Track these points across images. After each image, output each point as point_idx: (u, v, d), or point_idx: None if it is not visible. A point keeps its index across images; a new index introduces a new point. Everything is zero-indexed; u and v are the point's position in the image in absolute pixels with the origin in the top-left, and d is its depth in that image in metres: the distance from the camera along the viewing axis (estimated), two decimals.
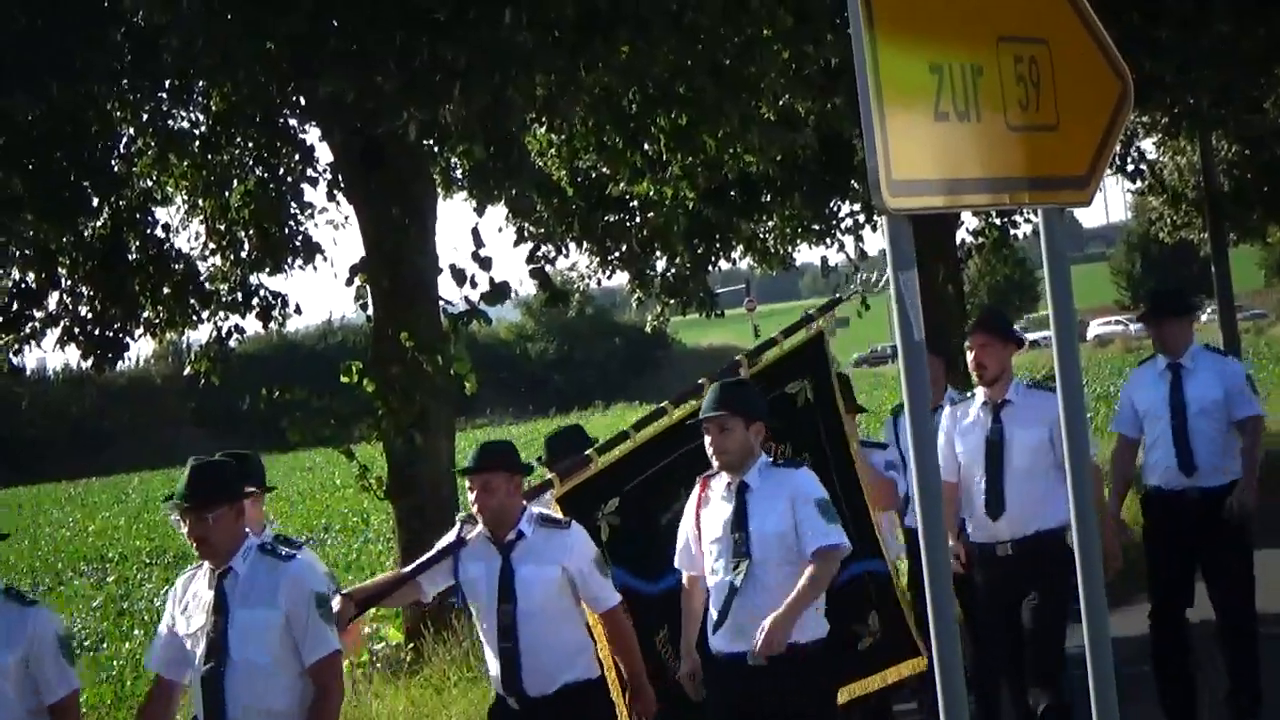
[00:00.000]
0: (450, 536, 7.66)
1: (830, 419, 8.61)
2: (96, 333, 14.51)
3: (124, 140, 13.97)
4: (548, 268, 13.84)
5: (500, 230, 13.84)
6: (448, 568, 7.60)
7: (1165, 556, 10.08)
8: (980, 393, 9.17)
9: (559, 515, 7.88)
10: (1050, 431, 8.84)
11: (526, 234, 13.62)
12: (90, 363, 14.71)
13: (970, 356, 9.11)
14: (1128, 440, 9.97)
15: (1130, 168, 25.68)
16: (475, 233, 13.07)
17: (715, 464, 7.61)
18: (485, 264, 12.86)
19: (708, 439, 7.59)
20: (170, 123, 13.92)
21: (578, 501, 8.25)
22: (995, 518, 9.03)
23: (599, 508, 8.30)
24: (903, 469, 9.67)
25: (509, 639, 7.39)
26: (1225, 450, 9.61)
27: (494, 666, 7.49)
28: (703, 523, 7.71)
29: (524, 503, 7.68)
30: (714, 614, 7.60)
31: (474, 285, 12.91)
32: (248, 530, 6.85)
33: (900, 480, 9.69)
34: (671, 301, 20.25)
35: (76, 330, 14.48)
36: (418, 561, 7.76)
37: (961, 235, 21.50)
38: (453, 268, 12.93)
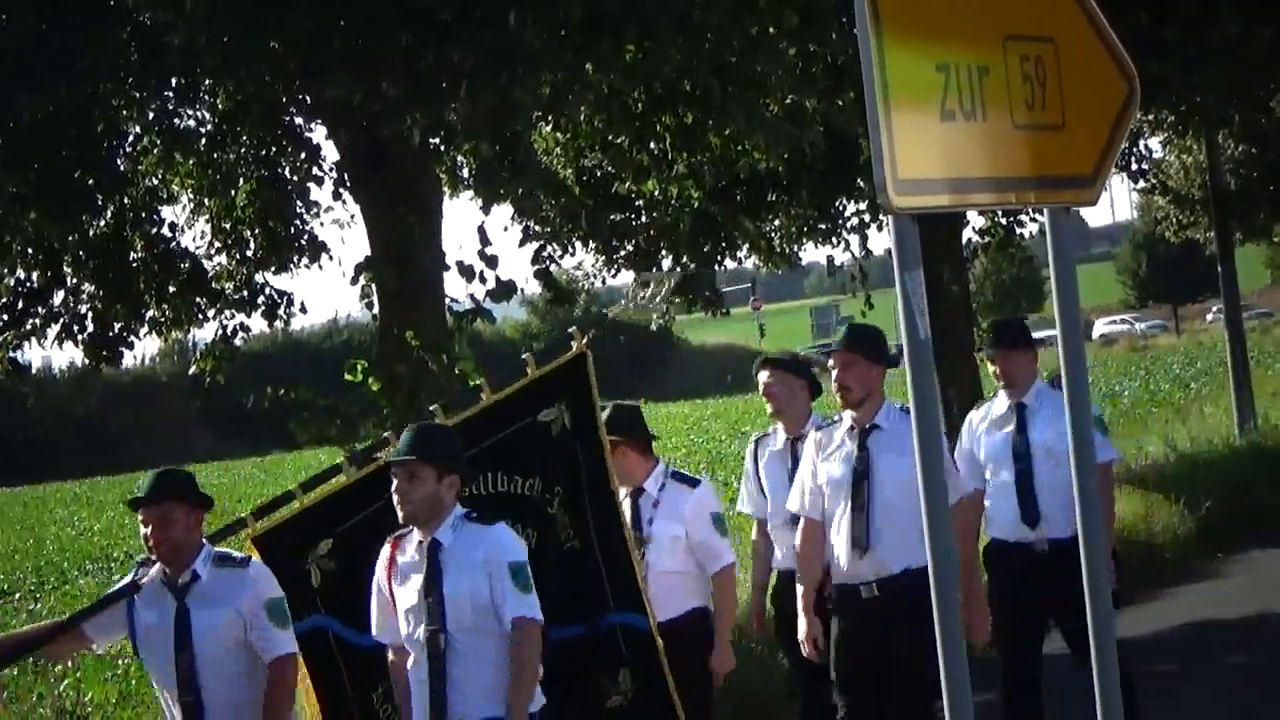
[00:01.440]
0: (124, 581, 7.04)
1: (591, 449, 7.73)
2: (99, 331, 14.51)
3: (129, 139, 13.97)
4: (552, 267, 13.82)
5: (505, 229, 13.86)
6: (120, 615, 6.94)
7: (1012, 617, 8.93)
8: (847, 417, 8.38)
9: (240, 554, 7.21)
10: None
11: (532, 233, 13.63)
12: (92, 361, 14.71)
13: (833, 376, 8.37)
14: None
15: (1134, 167, 25.66)
16: (481, 230, 13.06)
17: (400, 515, 6.91)
18: (491, 262, 12.85)
19: (394, 485, 6.90)
20: (176, 121, 13.92)
21: (279, 542, 7.47)
22: (861, 555, 8.16)
23: (309, 550, 7.53)
24: (764, 502, 9.17)
25: (189, 692, 6.76)
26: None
27: None
28: (395, 588, 6.99)
29: (203, 541, 6.99)
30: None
31: (482, 281, 12.91)
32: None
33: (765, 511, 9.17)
34: (677, 300, 20.24)
35: (77, 328, 14.48)
36: (81, 609, 7.12)
37: (967, 234, 21.49)
38: (460, 264, 12.93)
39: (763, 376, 9.12)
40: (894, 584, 8.08)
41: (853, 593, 8.22)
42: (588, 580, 7.70)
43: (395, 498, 6.88)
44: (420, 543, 6.90)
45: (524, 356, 7.89)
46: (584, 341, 7.97)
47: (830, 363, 8.40)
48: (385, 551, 7.00)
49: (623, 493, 8.19)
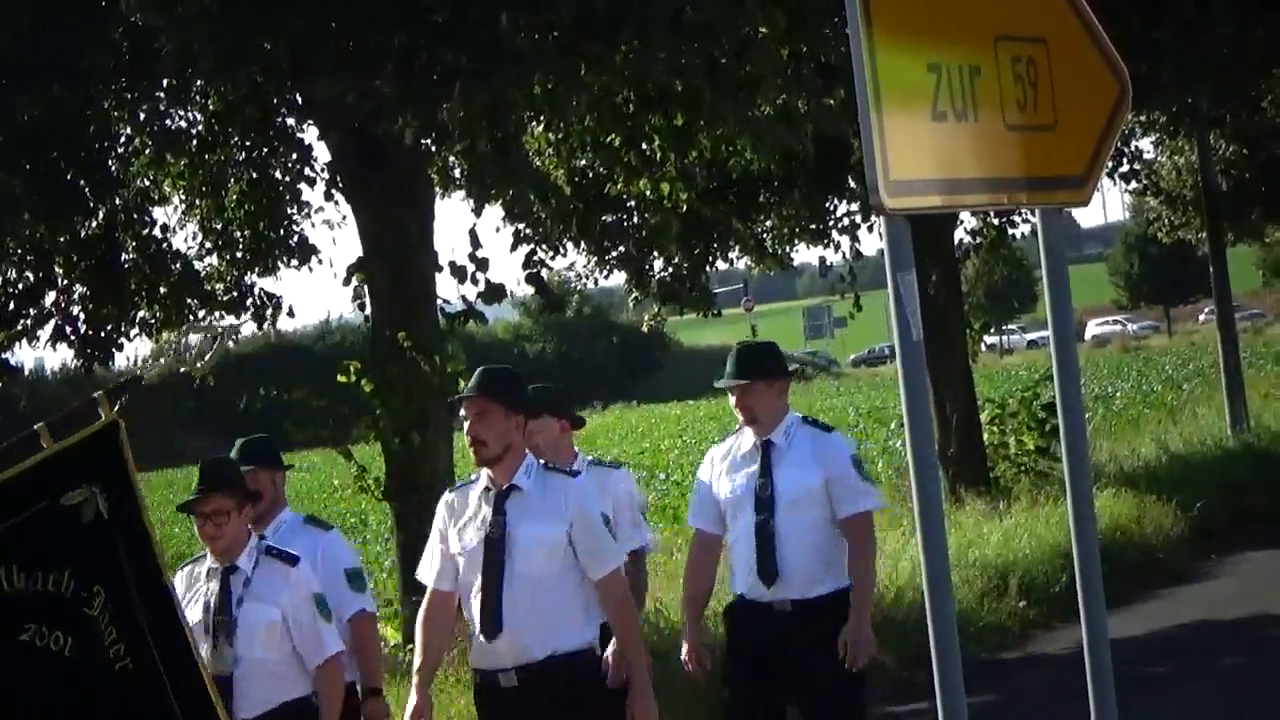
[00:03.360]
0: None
1: (135, 540, 6.40)
2: (90, 332, 14.50)
3: (121, 140, 13.96)
4: (544, 271, 13.80)
5: (498, 230, 13.85)
6: None
7: (745, 685, 7.86)
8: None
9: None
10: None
11: (523, 237, 13.63)
12: (83, 362, 14.70)
13: (732, 401, 7.78)
14: (706, 536, 7.95)
15: (1125, 168, 25.65)
16: (473, 233, 13.06)
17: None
18: (482, 265, 12.85)
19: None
20: (167, 123, 13.91)
21: None
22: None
23: None
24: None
25: None
26: (823, 553, 7.63)
27: None
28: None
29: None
30: None
31: (474, 283, 12.91)
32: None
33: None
34: (667, 304, 20.24)
35: (69, 329, 14.47)
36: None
37: (959, 235, 21.50)
38: (452, 265, 12.93)
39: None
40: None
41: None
42: (149, 713, 6.21)
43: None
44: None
45: (35, 427, 6.48)
46: (114, 411, 6.71)
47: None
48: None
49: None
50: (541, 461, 7.16)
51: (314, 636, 7.08)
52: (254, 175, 14.45)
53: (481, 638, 7.04)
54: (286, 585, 7.05)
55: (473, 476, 7.24)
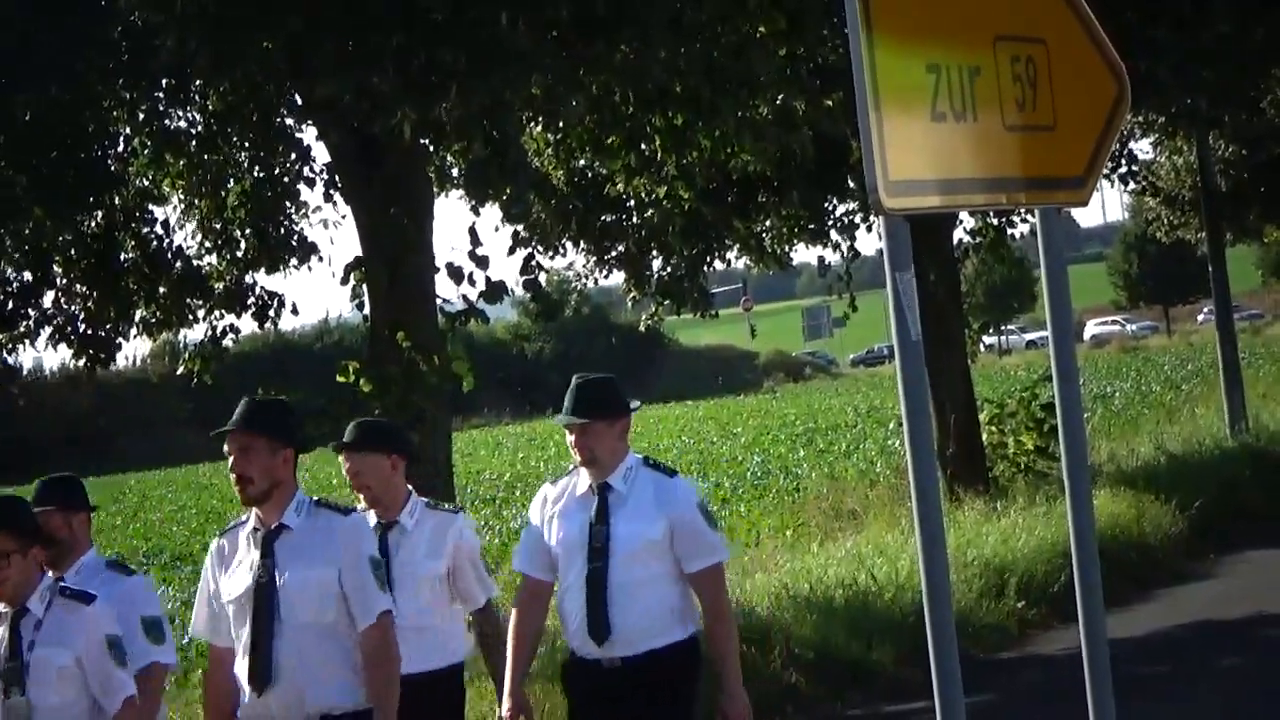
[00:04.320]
0: None
1: None
2: (89, 332, 14.49)
3: (120, 139, 13.96)
4: (541, 275, 13.75)
5: (497, 229, 13.80)
6: None
7: None
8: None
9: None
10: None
11: (520, 239, 13.59)
12: (83, 361, 14.70)
13: (569, 440, 7.18)
14: (535, 583, 7.25)
15: (1123, 169, 25.66)
16: (472, 231, 13.05)
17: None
18: (482, 263, 12.84)
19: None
20: (166, 122, 13.91)
21: None
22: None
23: None
24: None
25: None
26: (661, 609, 6.98)
27: None
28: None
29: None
30: None
31: (472, 283, 12.90)
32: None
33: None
34: (666, 302, 20.24)
35: (69, 329, 14.47)
36: None
37: (959, 235, 21.52)
38: (449, 265, 12.92)
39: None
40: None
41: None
42: None
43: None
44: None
45: None
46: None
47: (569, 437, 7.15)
48: None
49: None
50: (314, 499, 6.66)
51: (107, 679, 6.56)
52: (254, 175, 14.45)
53: (250, 693, 6.53)
54: (81, 627, 6.55)
55: (243, 517, 6.74)
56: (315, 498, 6.71)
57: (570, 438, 7.10)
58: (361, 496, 7.68)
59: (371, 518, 7.53)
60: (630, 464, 7.13)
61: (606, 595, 6.94)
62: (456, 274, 12.83)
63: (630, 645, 6.96)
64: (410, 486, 7.73)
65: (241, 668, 6.53)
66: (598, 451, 7.03)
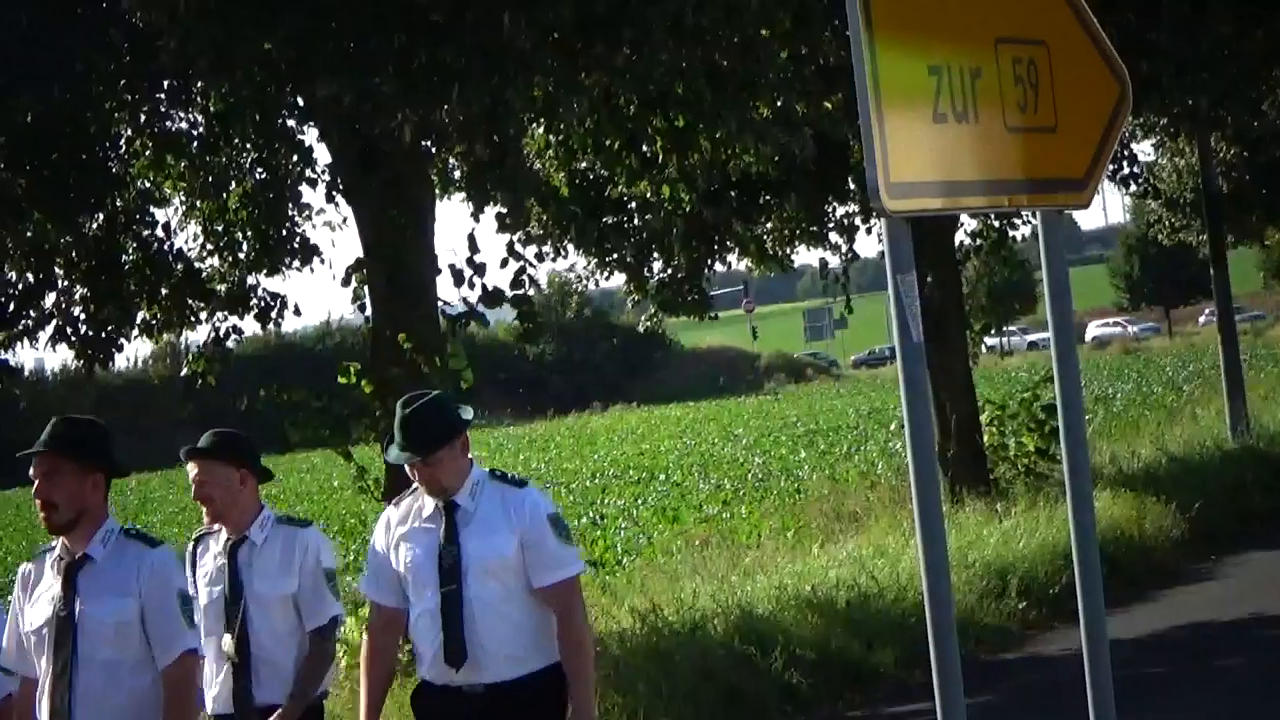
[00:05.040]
0: None
1: None
2: (90, 333, 14.50)
3: (121, 141, 13.96)
4: (531, 290, 13.69)
5: (496, 232, 13.75)
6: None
7: None
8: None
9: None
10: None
11: (515, 253, 13.49)
12: (84, 363, 14.70)
13: (412, 474, 6.74)
14: (386, 611, 6.83)
15: (1124, 170, 25.67)
16: (471, 238, 13.05)
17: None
18: (480, 269, 12.84)
19: None
20: (168, 124, 13.91)
21: None
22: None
23: None
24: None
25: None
26: (522, 628, 6.60)
27: None
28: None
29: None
30: None
31: (470, 287, 12.90)
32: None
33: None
34: (663, 304, 20.23)
35: (69, 330, 14.47)
36: None
37: (960, 237, 21.52)
38: (451, 268, 12.93)
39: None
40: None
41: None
42: None
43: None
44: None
45: None
46: None
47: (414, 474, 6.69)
48: None
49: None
50: (124, 528, 6.27)
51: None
52: (256, 177, 14.45)
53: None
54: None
55: (52, 543, 6.36)
56: (125, 527, 6.30)
57: (413, 473, 6.66)
58: (205, 510, 7.37)
59: (223, 535, 7.32)
60: (476, 478, 6.68)
61: (463, 618, 6.53)
62: (458, 277, 12.84)
63: (493, 670, 6.55)
64: (264, 504, 7.41)
65: (43, 705, 6.16)
66: (445, 480, 6.60)
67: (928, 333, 4.36)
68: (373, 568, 6.88)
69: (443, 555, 6.58)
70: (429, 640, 6.62)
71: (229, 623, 7.18)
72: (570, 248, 18.81)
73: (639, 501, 29.00)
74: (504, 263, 13.16)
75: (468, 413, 6.78)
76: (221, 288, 14.96)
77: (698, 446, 42.40)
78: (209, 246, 14.98)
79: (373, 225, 13.27)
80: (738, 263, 22.26)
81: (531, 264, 13.31)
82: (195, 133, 14.17)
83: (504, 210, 13.08)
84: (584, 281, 20.82)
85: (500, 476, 6.75)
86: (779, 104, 13.42)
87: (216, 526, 7.34)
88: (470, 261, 12.85)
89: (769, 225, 20.88)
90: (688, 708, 11.36)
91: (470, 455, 6.72)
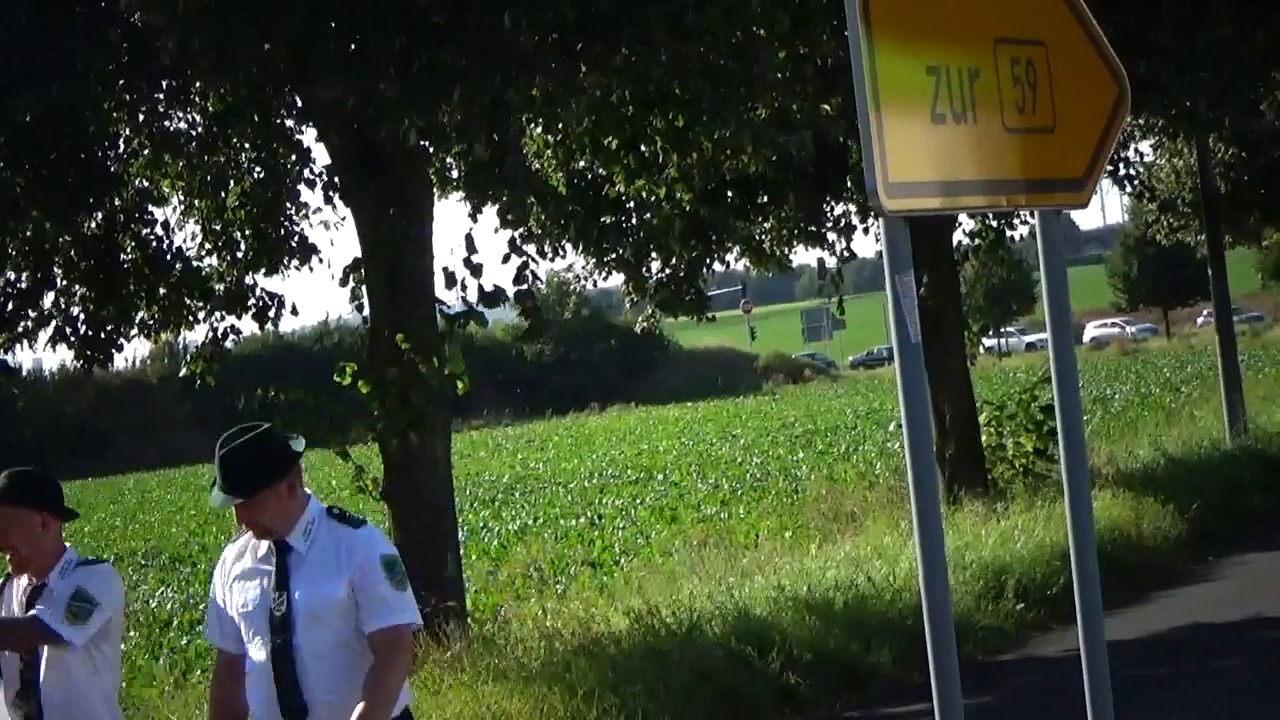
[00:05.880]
0: None
1: None
2: (89, 333, 14.49)
3: (120, 140, 13.96)
4: (537, 284, 13.69)
5: (496, 231, 13.73)
6: None
7: None
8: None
9: None
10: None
11: (517, 249, 13.50)
12: (82, 363, 14.70)
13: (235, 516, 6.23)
14: (228, 656, 6.40)
15: (1122, 172, 25.67)
16: (469, 239, 13.05)
17: None
18: (477, 271, 12.83)
19: None
20: (167, 123, 13.91)
21: None
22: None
23: None
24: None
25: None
26: (357, 677, 6.14)
27: None
28: None
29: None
30: None
31: (464, 289, 12.87)
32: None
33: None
34: (661, 304, 20.23)
35: (68, 330, 14.47)
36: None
37: (958, 237, 21.52)
38: (445, 271, 12.91)
39: None
40: None
41: None
42: None
43: None
44: None
45: None
46: None
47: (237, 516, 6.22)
48: None
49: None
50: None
51: None
52: (254, 176, 14.44)
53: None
54: None
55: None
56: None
57: (235, 515, 6.19)
58: (8, 558, 6.86)
59: (24, 581, 6.85)
60: (311, 517, 6.21)
61: (296, 670, 6.11)
62: (450, 279, 12.80)
63: None
64: (67, 546, 6.91)
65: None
66: (269, 522, 6.14)
67: (925, 333, 4.36)
68: (212, 610, 6.44)
69: (274, 602, 6.17)
70: (262, 696, 6.21)
71: (21, 679, 6.75)
72: (569, 247, 18.80)
73: (637, 501, 29.01)
74: (506, 258, 13.15)
75: (299, 444, 6.32)
76: (220, 287, 14.95)
77: (696, 447, 42.40)
78: (207, 246, 14.98)
79: (371, 225, 13.26)
80: (736, 263, 22.26)
81: (534, 260, 13.29)
82: (194, 132, 14.17)
83: (504, 207, 13.07)
84: (582, 281, 20.81)
85: (338, 515, 6.28)
86: (777, 104, 13.42)
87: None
88: (468, 262, 12.84)
89: (767, 225, 20.88)
90: (685, 708, 11.35)
91: (306, 491, 6.26)
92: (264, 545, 6.23)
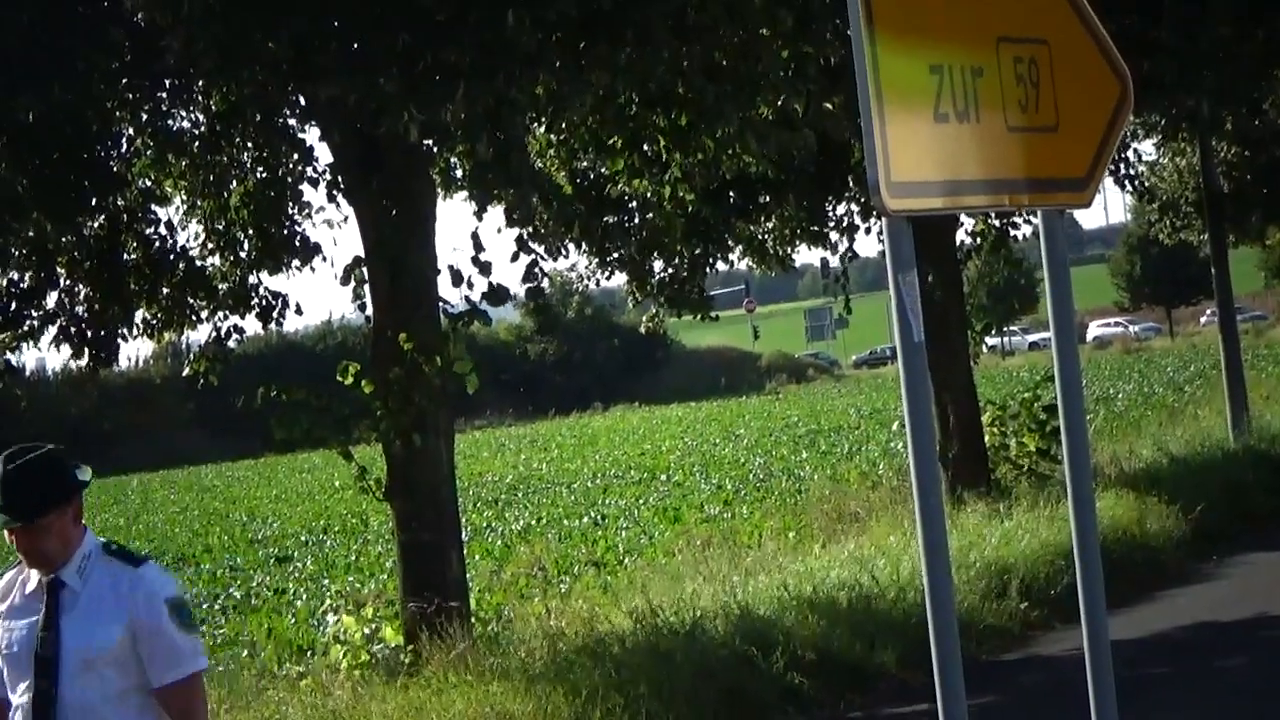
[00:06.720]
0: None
1: None
2: (92, 333, 14.49)
3: (123, 140, 13.96)
4: (544, 282, 13.70)
5: (500, 231, 13.72)
6: None
7: None
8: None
9: None
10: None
11: (525, 246, 13.53)
12: (85, 362, 14.70)
13: (10, 541, 5.64)
14: None
15: (1123, 172, 25.65)
16: (475, 237, 13.04)
17: None
18: (485, 268, 12.83)
19: None
20: (170, 123, 13.90)
21: None
22: None
23: None
24: None
25: None
26: None
27: None
28: None
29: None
30: None
31: (470, 287, 12.88)
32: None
33: None
34: (664, 303, 20.23)
35: (72, 330, 14.47)
36: None
37: (961, 236, 21.52)
38: (451, 268, 12.91)
39: None
40: None
41: None
42: None
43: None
44: None
45: None
46: None
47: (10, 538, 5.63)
48: None
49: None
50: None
51: None
52: (257, 176, 14.44)
53: None
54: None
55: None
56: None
57: (12, 539, 5.62)
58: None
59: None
60: (88, 551, 5.63)
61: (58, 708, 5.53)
62: (456, 277, 12.82)
63: None
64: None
65: None
66: (49, 550, 5.57)
67: (929, 332, 4.36)
68: None
69: (40, 643, 5.57)
70: None
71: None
72: (571, 247, 18.81)
73: (640, 501, 29.02)
74: (515, 256, 13.16)
75: (85, 473, 5.73)
76: (223, 287, 14.95)
77: (699, 446, 42.40)
78: (210, 245, 14.98)
79: (374, 224, 13.26)
80: (739, 262, 22.26)
81: (543, 257, 13.30)
82: (196, 132, 14.17)
83: (510, 206, 13.07)
84: (585, 281, 20.82)
85: (116, 552, 5.67)
86: (780, 103, 13.42)
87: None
88: (475, 260, 12.83)
89: (769, 225, 20.88)
90: (688, 708, 11.35)
91: (84, 525, 5.67)
92: (34, 579, 5.66)
